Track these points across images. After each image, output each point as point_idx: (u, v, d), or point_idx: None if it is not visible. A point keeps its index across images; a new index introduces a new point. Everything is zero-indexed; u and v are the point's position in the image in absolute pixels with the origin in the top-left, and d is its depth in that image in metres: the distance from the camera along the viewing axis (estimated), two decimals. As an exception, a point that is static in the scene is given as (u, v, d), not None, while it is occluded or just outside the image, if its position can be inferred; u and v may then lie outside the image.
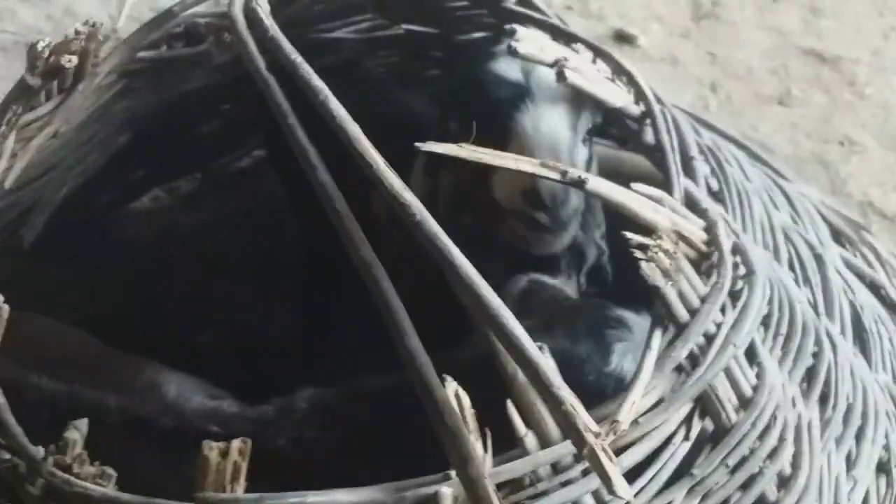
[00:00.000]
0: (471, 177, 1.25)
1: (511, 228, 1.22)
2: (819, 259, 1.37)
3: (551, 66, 1.16)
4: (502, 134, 1.19)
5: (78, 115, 1.30)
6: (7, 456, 0.96)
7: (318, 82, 0.98)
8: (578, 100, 1.22)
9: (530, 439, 0.93)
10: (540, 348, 0.92)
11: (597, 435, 0.81)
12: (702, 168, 1.21)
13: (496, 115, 1.19)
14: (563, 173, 1.03)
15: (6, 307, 0.99)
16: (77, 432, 0.93)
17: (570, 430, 0.81)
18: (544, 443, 0.93)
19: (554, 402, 0.82)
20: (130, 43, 1.26)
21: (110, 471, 0.92)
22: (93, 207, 1.81)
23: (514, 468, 0.91)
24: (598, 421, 0.93)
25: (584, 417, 0.81)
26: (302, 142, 0.98)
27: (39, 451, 0.94)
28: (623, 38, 2.39)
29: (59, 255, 1.75)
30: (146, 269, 1.80)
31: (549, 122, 1.19)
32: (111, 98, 1.42)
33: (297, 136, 0.98)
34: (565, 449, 0.92)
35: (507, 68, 1.23)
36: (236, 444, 0.90)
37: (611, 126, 1.43)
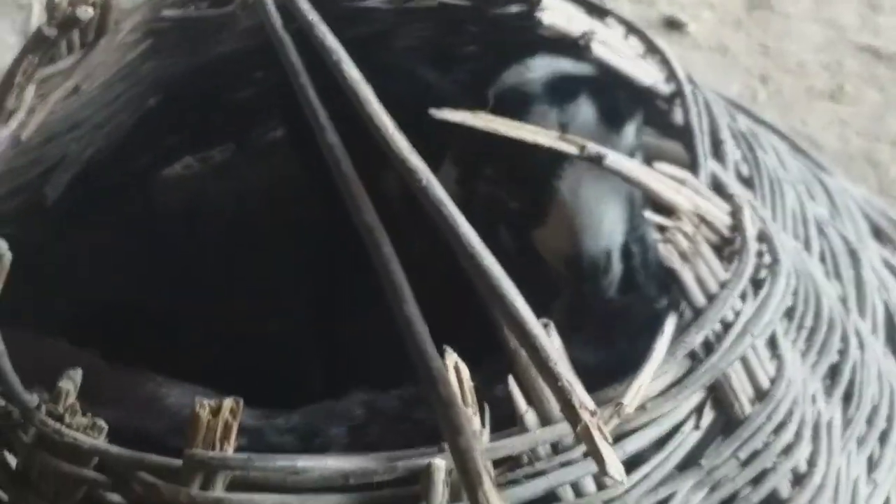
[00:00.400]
0: (511, 217, 1.20)
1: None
2: (854, 255, 1.31)
3: (578, 38, 1.12)
4: (543, 202, 1.14)
5: (100, 72, 1.29)
6: (1, 403, 0.95)
7: (333, 43, 0.96)
8: (619, 140, 1.16)
9: (530, 417, 0.91)
10: (545, 326, 0.89)
11: (593, 413, 0.77)
12: (732, 152, 1.16)
13: (535, 180, 1.14)
14: (582, 148, 0.99)
15: (9, 254, 0.98)
16: (70, 382, 0.92)
17: (566, 406, 0.78)
18: (545, 421, 0.91)
19: (550, 378, 0.79)
20: (153, 0, 1.25)
21: (102, 423, 0.91)
22: (123, 171, 1.80)
23: (512, 445, 0.89)
24: (602, 403, 0.90)
25: (580, 394, 0.78)
26: (313, 102, 0.96)
27: (34, 399, 0.93)
28: (673, 24, 2.35)
29: (85, 218, 1.76)
30: (174, 243, 1.79)
31: (590, 184, 1.13)
32: (137, 57, 1.41)
33: (308, 95, 0.96)
34: (566, 429, 0.89)
35: (545, 119, 1.15)
36: (228, 402, 0.88)
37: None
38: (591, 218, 1.13)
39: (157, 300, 1.61)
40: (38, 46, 1.13)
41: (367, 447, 0.99)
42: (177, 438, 0.96)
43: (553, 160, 1.12)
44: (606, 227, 1.14)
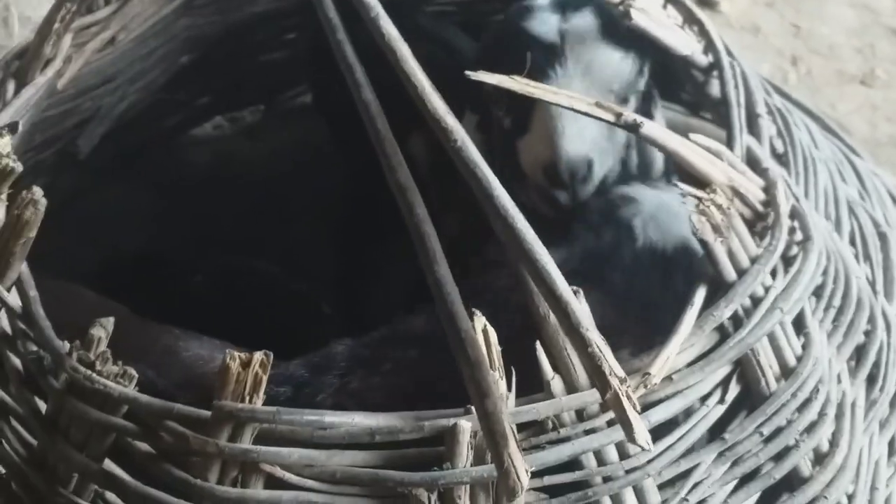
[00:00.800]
0: (504, 135, 1.23)
1: (532, 198, 1.19)
2: (883, 237, 1.30)
3: (618, 4, 1.11)
4: (529, 106, 1.15)
5: (136, 25, 1.30)
6: (34, 348, 0.96)
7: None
8: (618, 64, 1.18)
9: (556, 383, 0.91)
10: (575, 293, 0.89)
11: (622, 380, 0.77)
12: (768, 127, 1.15)
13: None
14: (618, 115, 0.98)
15: (44, 201, 0.99)
16: (103, 330, 0.93)
17: (595, 372, 0.78)
18: (571, 388, 0.91)
19: (580, 344, 0.79)
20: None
21: (132, 371, 0.92)
22: (155, 129, 1.81)
23: (538, 410, 0.89)
24: (630, 372, 0.90)
25: (610, 361, 0.78)
26: (349, 58, 0.95)
27: (65, 345, 0.94)
28: (705, 2, 2.32)
29: (118, 172, 1.77)
30: (203, 201, 1.80)
31: (578, 88, 1.14)
32: (172, 13, 1.41)
33: (346, 51, 0.95)
34: (592, 397, 0.89)
35: (543, 27, 1.18)
36: (258, 355, 0.89)
37: (679, 87, 1.39)
38: (574, 124, 1.13)
39: (183, 255, 1.63)
40: (74, -7, 1.13)
41: (353, 393, 1.03)
42: (184, 392, 0.97)
43: (544, 64, 1.14)
44: (589, 134, 1.14)
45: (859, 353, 1.11)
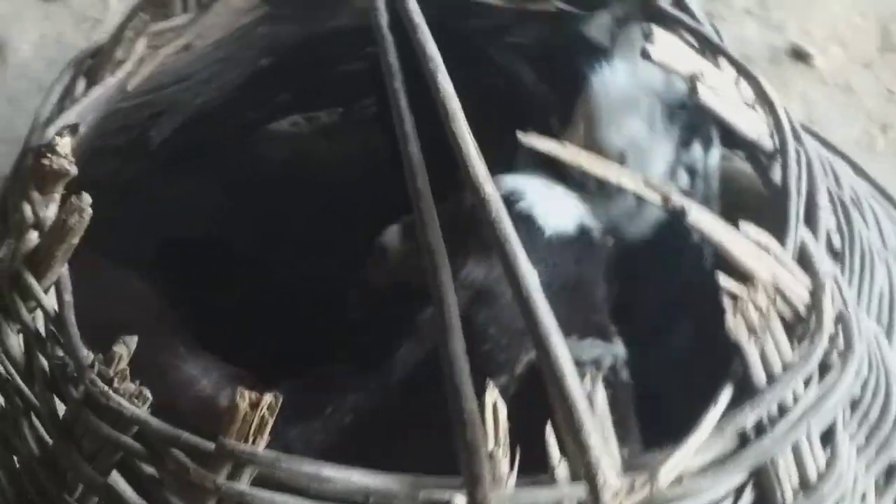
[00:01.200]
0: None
1: None
2: (941, 347, 1.24)
3: (685, 78, 1.08)
4: (571, 93, 1.17)
5: (213, 33, 1.31)
6: (60, 353, 0.99)
7: (432, 49, 0.94)
8: (666, 78, 1.16)
9: (562, 469, 0.89)
10: (593, 379, 0.87)
11: (616, 494, 0.75)
12: (826, 220, 1.10)
13: (571, 74, 1.18)
14: (666, 199, 0.96)
15: (90, 210, 1.01)
16: (125, 348, 0.94)
17: (590, 481, 0.76)
18: (575, 476, 0.89)
19: (580, 447, 0.77)
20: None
21: (147, 393, 0.93)
22: (231, 122, 1.83)
23: (536, 497, 0.87)
24: (638, 468, 0.88)
25: (606, 473, 0.76)
26: (402, 109, 0.95)
27: (88, 356, 0.96)
28: (799, 55, 2.24)
29: (190, 163, 1.80)
30: (276, 197, 1.82)
31: (624, 84, 1.14)
32: (252, 22, 1.43)
33: (400, 101, 0.95)
34: (596, 488, 0.87)
35: (596, 31, 1.21)
36: (268, 398, 0.89)
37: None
38: (613, 115, 1.14)
39: (245, 246, 1.65)
40: (151, 2, 1.15)
41: (295, 436, 1.05)
42: (163, 416, 0.95)
43: (590, 55, 1.17)
44: (628, 131, 1.14)
45: (890, 473, 1.07)
